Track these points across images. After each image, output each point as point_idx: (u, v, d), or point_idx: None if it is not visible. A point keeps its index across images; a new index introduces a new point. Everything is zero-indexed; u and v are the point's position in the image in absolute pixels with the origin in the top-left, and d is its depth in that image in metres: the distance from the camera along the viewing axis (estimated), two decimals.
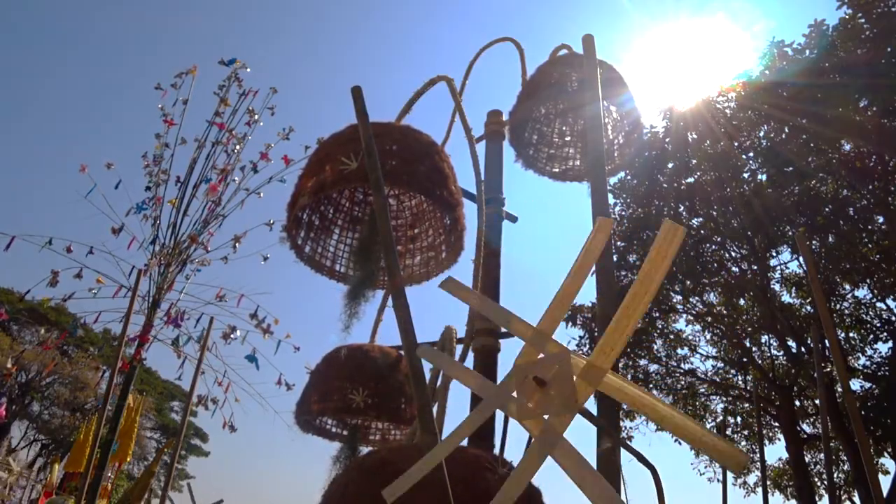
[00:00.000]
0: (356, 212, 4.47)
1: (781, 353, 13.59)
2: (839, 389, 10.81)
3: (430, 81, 4.45)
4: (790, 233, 12.09)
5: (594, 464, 2.30)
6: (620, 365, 13.89)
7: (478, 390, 1.55)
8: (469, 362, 3.96)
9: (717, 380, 15.21)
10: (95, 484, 5.34)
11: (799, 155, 11.21)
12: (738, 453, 1.19)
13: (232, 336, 6.47)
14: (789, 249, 12.83)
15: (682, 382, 15.49)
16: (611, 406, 2.32)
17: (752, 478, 16.14)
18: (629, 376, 14.74)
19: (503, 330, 4.24)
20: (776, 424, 14.23)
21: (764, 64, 11.58)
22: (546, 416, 1.39)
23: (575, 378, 1.38)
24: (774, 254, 13.32)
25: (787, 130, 11.52)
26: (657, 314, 14.16)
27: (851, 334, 13.35)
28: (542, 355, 1.48)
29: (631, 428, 15.17)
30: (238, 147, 6.85)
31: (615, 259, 12.79)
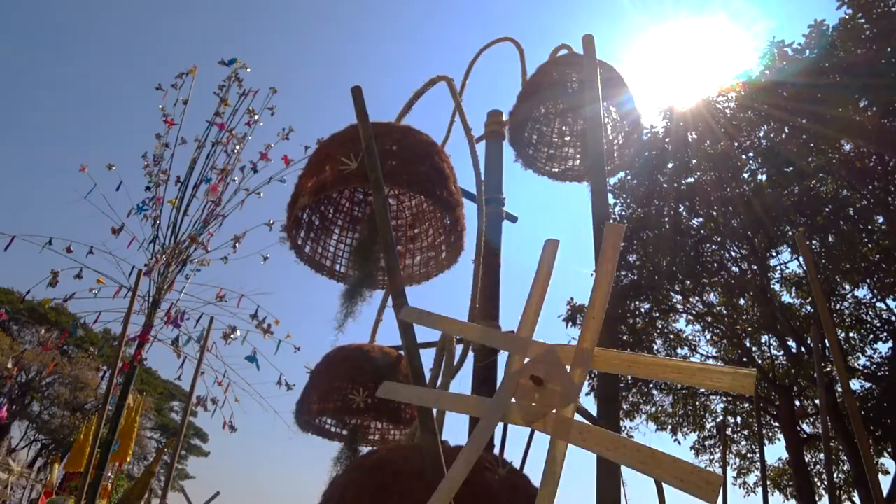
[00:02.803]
0: (356, 212, 4.47)
1: (781, 353, 13.59)
2: (839, 389, 10.80)
3: (430, 81, 4.45)
4: (790, 233, 12.09)
5: (594, 464, 2.31)
6: None
7: (477, 413, 1.56)
8: (469, 362, 3.96)
9: None
10: (95, 484, 5.34)
11: (799, 155, 11.21)
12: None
13: (232, 336, 6.47)
14: (789, 249, 12.83)
15: None
16: (611, 406, 2.32)
17: (752, 478, 16.16)
18: (629, 376, 14.73)
19: (503, 330, 4.24)
20: (776, 424, 14.23)
21: (764, 64, 11.58)
22: (553, 411, 1.41)
23: (568, 367, 1.41)
24: (774, 254, 13.32)
25: (787, 130, 11.52)
26: (657, 314, 14.16)
27: (851, 334, 13.35)
28: (527, 359, 1.50)
29: (631, 428, 15.19)
30: (238, 147, 6.85)
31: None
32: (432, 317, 1.74)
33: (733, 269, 13.31)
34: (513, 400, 1.44)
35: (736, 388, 1.27)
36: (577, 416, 1.42)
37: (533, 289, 1.58)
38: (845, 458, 12.89)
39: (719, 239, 13.07)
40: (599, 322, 1.45)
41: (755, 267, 12.98)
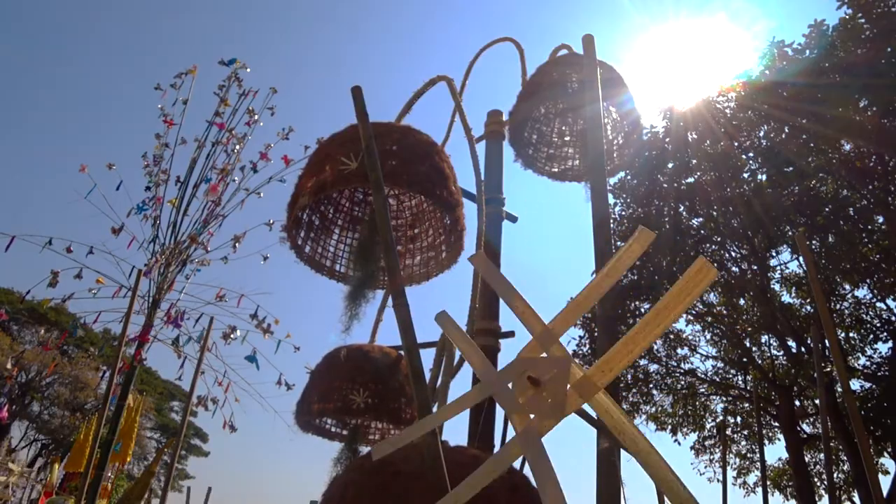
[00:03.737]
0: (356, 212, 4.47)
1: (781, 353, 13.59)
2: (839, 389, 10.80)
3: (430, 81, 4.45)
4: (790, 233, 12.09)
5: (594, 464, 2.30)
6: None
7: (478, 370, 1.55)
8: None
9: (717, 380, 15.21)
10: (95, 484, 5.33)
11: (799, 155, 11.21)
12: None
13: (232, 336, 6.46)
14: (789, 249, 12.83)
15: (682, 382, 15.49)
16: None
17: (752, 478, 16.16)
18: (629, 376, 14.74)
19: (504, 330, 4.24)
20: (776, 424, 14.23)
21: (764, 64, 11.58)
22: (532, 416, 1.40)
23: (568, 387, 1.38)
24: (774, 254, 13.33)
25: (787, 130, 11.52)
26: None
27: (851, 334, 13.35)
28: (544, 354, 1.49)
29: None
30: (238, 147, 6.85)
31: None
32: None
33: (733, 269, 13.31)
34: (532, 416, 1.42)
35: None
36: (574, 416, 1.42)
37: (597, 283, 1.50)
38: (845, 458, 12.89)
39: (719, 239, 13.07)
40: (619, 370, 1.41)
41: (755, 267, 12.99)
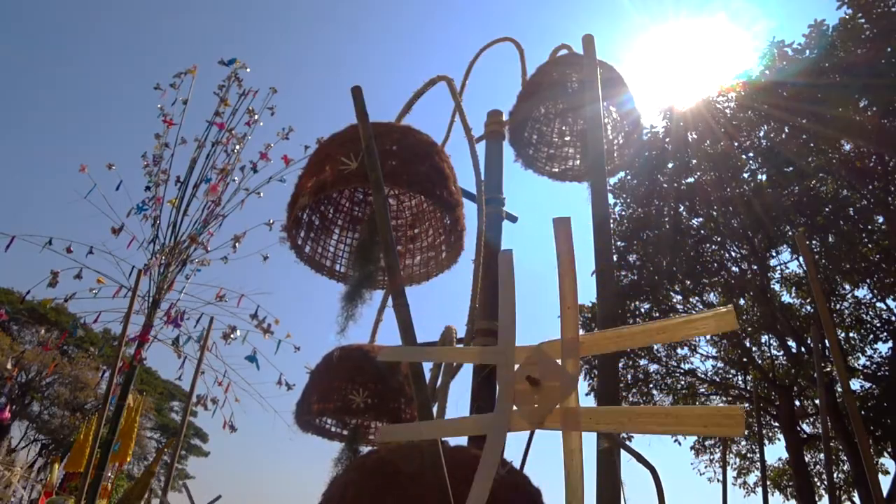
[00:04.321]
0: (356, 212, 4.47)
1: (781, 353, 13.59)
2: (839, 389, 10.80)
3: (430, 81, 4.44)
4: (790, 233, 12.09)
5: (594, 464, 2.30)
6: (620, 365, 13.89)
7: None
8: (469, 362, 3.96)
9: (717, 380, 15.21)
10: (95, 484, 5.33)
11: (799, 155, 11.21)
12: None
13: (232, 336, 6.47)
14: (789, 249, 12.83)
15: (682, 382, 15.49)
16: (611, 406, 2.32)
17: (752, 478, 16.16)
18: (629, 376, 14.75)
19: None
20: (776, 424, 14.23)
21: (764, 64, 11.58)
22: (557, 406, 1.41)
23: (559, 361, 1.41)
24: (774, 254, 13.33)
25: (787, 130, 11.52)
26: (657, 314, 14.16)
27: (851, 334, 13.35)
28: (559, 360, 1.50)
29: None
30: (238, 147, 6.85)
31: (615, 259, 12.77)
32: (412, 351, 1.74)
33: (733, 269, 13.31)
34: (514, 408, 1.44)
35: (722, 328, 1.27)
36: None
37: (501, 299, 1.57)
38: (845, 458, 12.89)
39: (719, 239, 13.07)
40: (576, 311, 1.44)
41: (755, 267, 12.99)
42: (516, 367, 1.48)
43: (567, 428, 1.38)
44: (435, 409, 3.35)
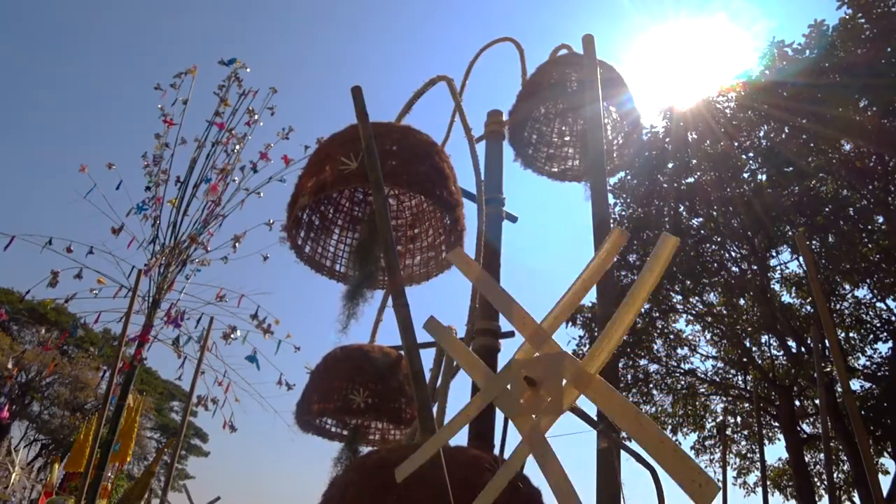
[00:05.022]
0: (356, 212, 4.47)
1: (781, 353, 13.59)
2: (839, 389, 10.80)
3: (430, 81, 4.45)
4: (790, 233, 12.09)
5: (594, 464, 2.31)
6: (620, 364, 13.90)
7: (477, 379, 1.56)
8: None
9: (717, 380, 15.21)
10: (95, 484, 5.34)
11: (799, 155, 11.21)
12: (709, 483, 1.12)
13: (232, 336, 6.46)
14: (789, 249, 12.83)
15: (682, 382, 15.49)
16: None
17: (752, 478, 16.16)
18: (629, 376, 14.74)
19: (503, 330, 4.24)
20: (776, 424, 14.23)
21: (764, 64, 11.58)
22: (533, 416, 1.41)
23: (564, 382, 1.39)
24: (774, 254, 13.33)
25: (787, 130, 11.52)
26: (657, 314, 14.16)
27: (851, 334, 13.35)
28: (537, 354, 1.49)
29: None
30: (238, 147, 6.85)
31: (615, 259, 12.73)
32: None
33: (733, 269, 13.31)
34: (534, 416, 1.43)
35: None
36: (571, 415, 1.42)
37: (582, 283, 1.52)
38: (845, 458, 12.89)
39: (719, 239, 13.07)
40: (609, 354, 1.41)
41: (755, 267, 12.99)
42: (507, 387, 1.48)
43: (583, 386, 1.36)
44: (435, 409, 3.35)
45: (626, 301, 1.37)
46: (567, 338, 13.99)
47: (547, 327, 1.51)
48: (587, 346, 13.87)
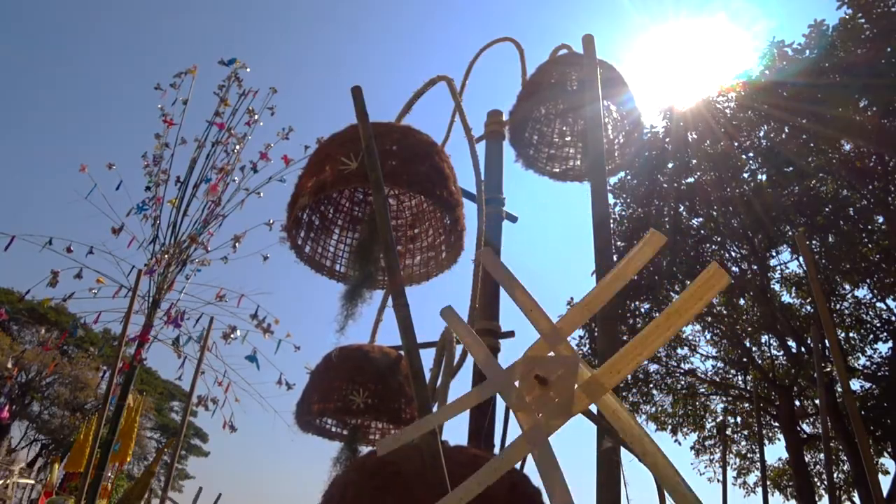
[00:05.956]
0: (356, 212, 4.47)
1: (781, 353, 13.59)
2: (839, 389, 10.80)
3: (430, 81, 4.45)
4: (790, 233, 12.09)
5: (594, 464, 2.30)
6: None
7: (483, 367, 1.55)
8: (469, 362, 3.96)
9: (717, 380, 15.21)
10: (95, 484, 5.33)
11: (799, 155, 11.21)
12: None
13: (232, 336, 6.46)
14: (789, 249, 12.83)
15: (682, 382, 15.49)
16: None
17: (752, 478, 16.16)
18: (629, 376, 14.74)
19: (503, 330, 4.24)
20: (776, 424, 14.23)
21: (764, 64, 11.58)
22: (539, 415, 1.40)
23: (576, 387, 1.38)
24: (774, 254, 13.33)
25: (787, 130, 11.52)
26: (657, 314, 14.14)
27: (851, 334, 13.35)
28: (551, 353, 1.49)
29: None
30: (238, 147, 6.85)
31: (615, 260, 12.74)
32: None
33: (733, 269, 13.30)
34: (539, 415, 1.42)
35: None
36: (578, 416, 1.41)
37: (607, 284, 1.51)
38: (845, 458, 12.89)
39: (719, 239, 13.07)
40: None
41: (755, 267, 12.98)
42: (516, 383, 1.47)
43: (595, 397, 1.36)
44: (435, 409, 3.34)
45: (661, 323, 1.34)
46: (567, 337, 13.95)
47: (563, 327, 1.51)
48: (587, 346, 13.87)
